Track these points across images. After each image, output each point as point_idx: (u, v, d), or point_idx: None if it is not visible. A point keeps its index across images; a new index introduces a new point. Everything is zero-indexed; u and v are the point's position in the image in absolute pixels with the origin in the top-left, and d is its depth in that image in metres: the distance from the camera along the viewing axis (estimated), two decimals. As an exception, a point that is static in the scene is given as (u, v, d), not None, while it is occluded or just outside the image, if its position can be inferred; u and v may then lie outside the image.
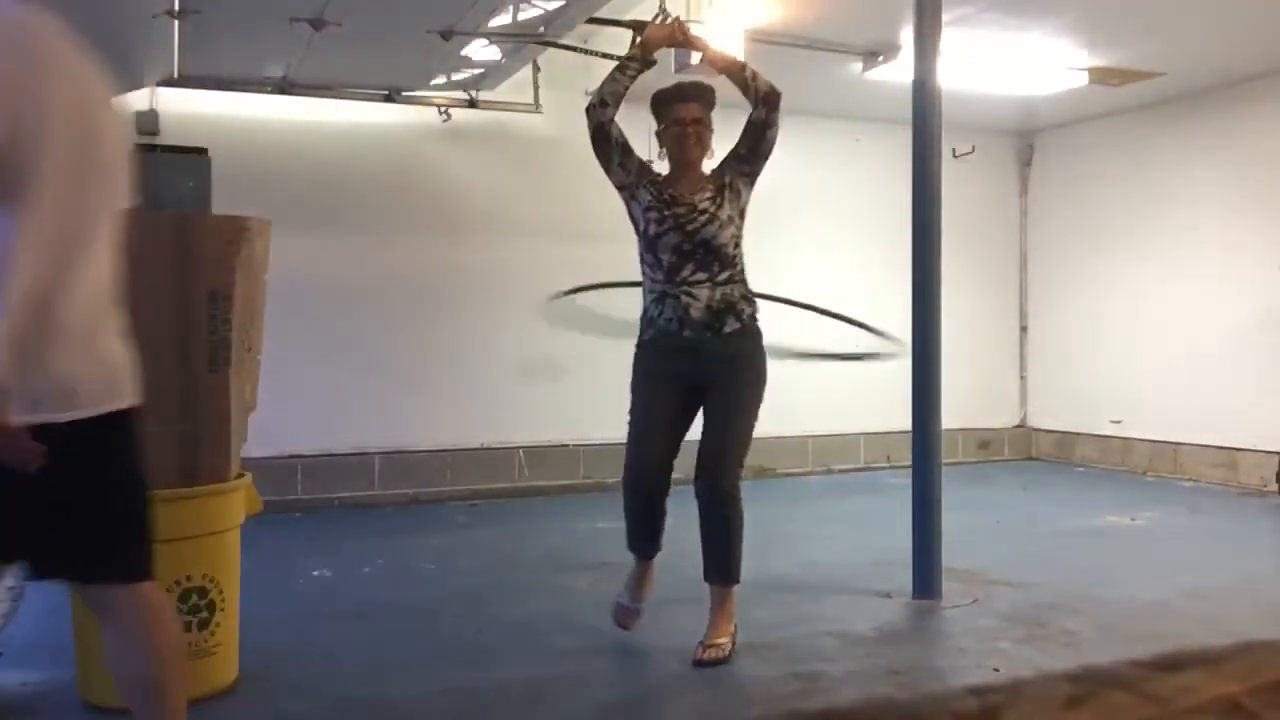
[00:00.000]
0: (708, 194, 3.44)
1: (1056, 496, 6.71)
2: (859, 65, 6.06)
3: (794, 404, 7.03)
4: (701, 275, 3.39)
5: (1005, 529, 5.59)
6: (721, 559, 3.46)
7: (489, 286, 6.70)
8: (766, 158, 3.50)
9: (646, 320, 3.49)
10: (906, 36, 5.07)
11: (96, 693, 3.00)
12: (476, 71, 5.94)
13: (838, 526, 5.58)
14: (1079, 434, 7.97)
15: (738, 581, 3.49)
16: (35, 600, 4.12)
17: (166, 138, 5.93)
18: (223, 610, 3.07)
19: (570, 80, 6.73)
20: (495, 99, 6.46)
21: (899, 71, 5.65)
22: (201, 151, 5.97)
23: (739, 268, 3.47)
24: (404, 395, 6.50)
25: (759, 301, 3.52)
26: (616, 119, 3.42)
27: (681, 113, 3.45)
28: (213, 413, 3.07)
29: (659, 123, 3.53)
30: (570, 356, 6.85)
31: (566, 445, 6.87)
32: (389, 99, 6.24)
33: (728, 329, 3.39)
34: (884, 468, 7.58)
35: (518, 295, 6.77)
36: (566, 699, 3.08)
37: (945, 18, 4.33)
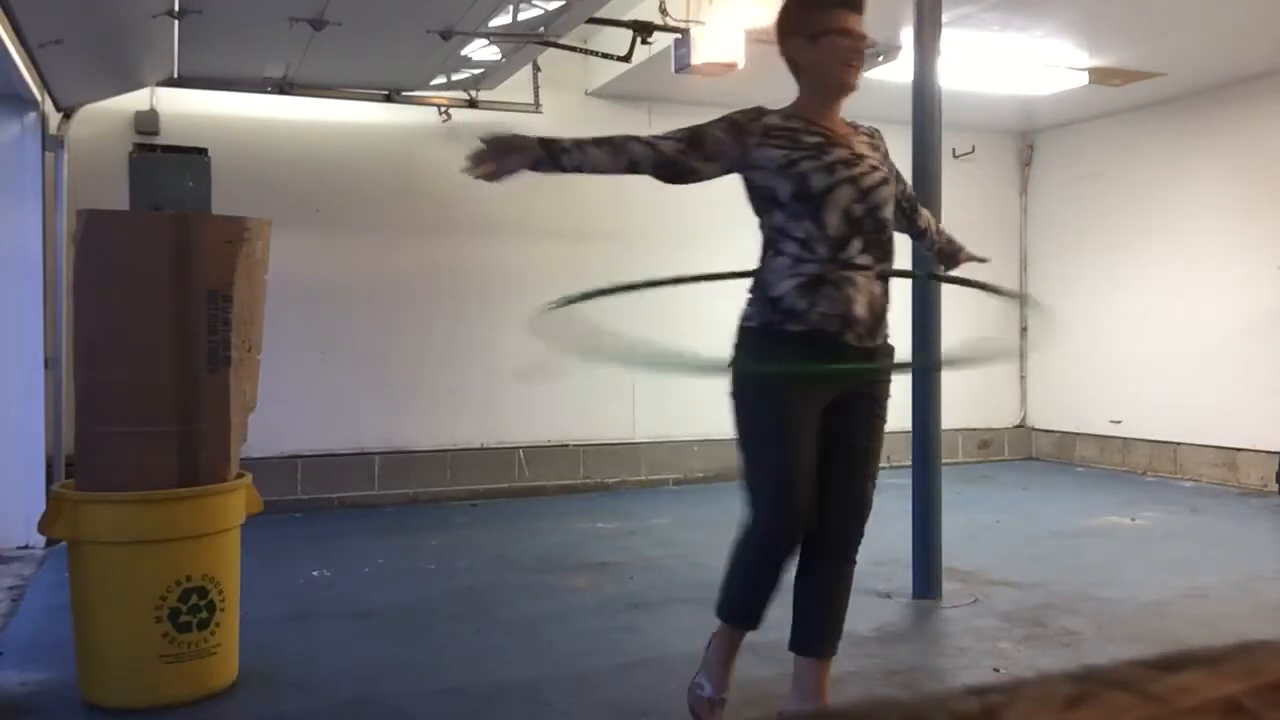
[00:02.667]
0: (870, 150, 2.64)
1: (1056, 496, 6.71)
2: (859, 65, 6.07)
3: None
4: (868, 258, 2.53)
5: (1005, 529, 5.58)
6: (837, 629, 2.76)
7: (488, 286, 6.70)
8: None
9: (785, 310, 2.52)
10: (906, 36, 5.07)
11: (96, 693, 3.00)
12: (476, 71, 5.94)
13: (838, 526, 5.57)
14: (1079, 434, 7.97)
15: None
16: (35, 600, 4.14)
17: (166, 138, 5.94)
18: (223, 610, 3.07)
19: (570, 80, 6.75)
20: (495, 99, 6.46)
21: (899, 71, 5.66)
22: (201, 151, 5.98)
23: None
24: (404, 395, 6.50)
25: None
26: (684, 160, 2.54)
27: (849, 22, 2.55)
28: (213, 413, 3.07)
29: (804, 34, 2.59)
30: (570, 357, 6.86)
31: (566, 445, 6.87)
32: (389, 99, 6.24)
33: (879, 340, 2.60)
34: (884, 468, 7.57)
35: (517, 295, 6.77)
36: (566, 699, 3.08)
37: (945, 18, 4.33)
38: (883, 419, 2.69)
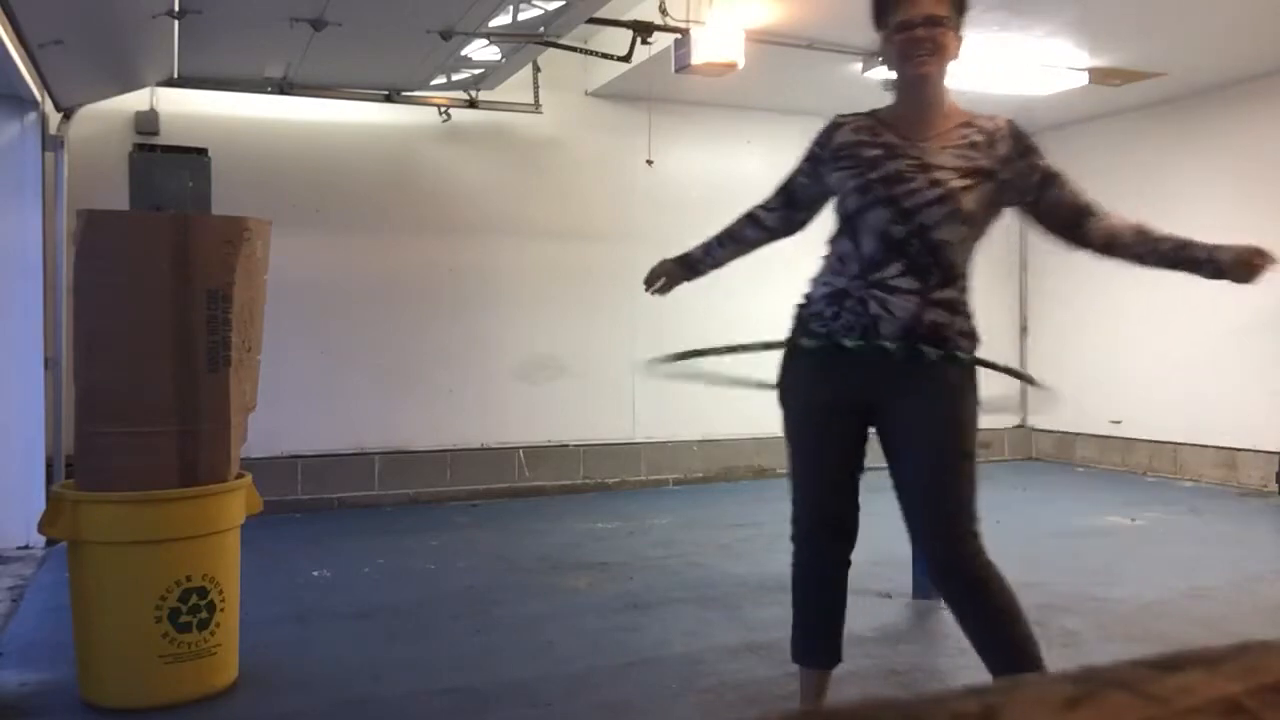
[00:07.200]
0: (956, 157, 2.38)
1: (1056, 496, 6.71)
2: (859, 65, 6.07)
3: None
4: (912, 282, 2.36)
5: (1005, 529, 5.57)
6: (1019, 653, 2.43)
7: (488, 286, 6.71)
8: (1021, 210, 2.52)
9: (809, 314, 2.49)
10: (906, 36, 5.07)
11: (96, 693, 3.00)
12: (476, 71, 5.94)
13: (838, 526, 5.57)
14: (1079, 434, 7.97)
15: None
16: (35, 600, 4.14)
17: (166, 138, 5.94)
18: (223, 610, 3.07)
19: (570, 80, 6.76)
20: (495, 99, 6.46)
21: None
22: (201, 151, 5.98)
23: (963, 288, 2.43)
24: (404, 395, 6.50)
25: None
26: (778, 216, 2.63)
27: (909, 13, 2.39)
28: (213, 413, 3.07)
29: (879, 30, 2.50)
30: (570, 356, 6.86)
31: (566, 445, 6.87)
32: (389, 99, 6.24)
33: (927, 355, 2.35)
34: (884, 468, 7.58)
35: (517, 295, 6.78)
36: (566, 699, 3.08)
37: (945, 18, 4.32)
38: (947, 414, 2.41)
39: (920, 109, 2.45)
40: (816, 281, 2.52)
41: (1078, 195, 2.48)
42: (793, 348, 2.53)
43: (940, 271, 2.37)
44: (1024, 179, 2.44)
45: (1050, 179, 2.47)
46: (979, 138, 2.41)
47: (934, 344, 2.35)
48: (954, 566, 2.46)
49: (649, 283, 2.79)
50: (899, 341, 2.35)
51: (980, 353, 2.49)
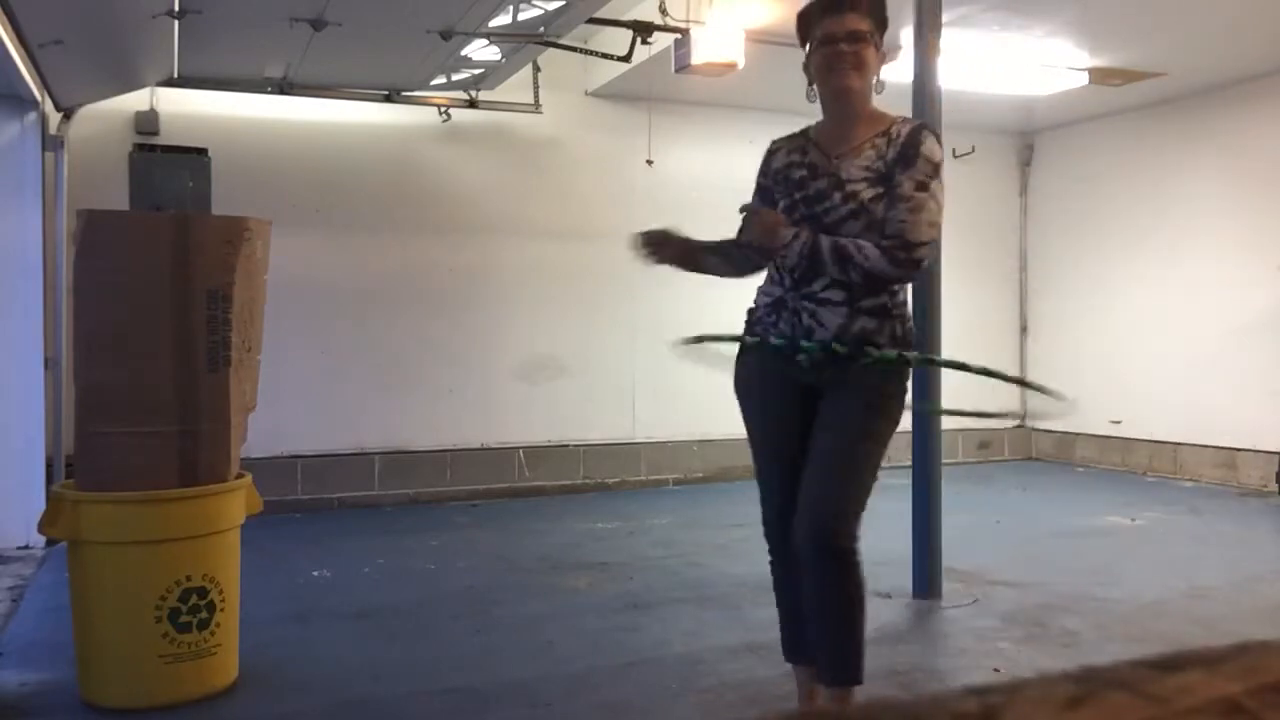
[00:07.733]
0: (864, 167, 2.51)
1: (1056, 496, 6.71)
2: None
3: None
4: (837, 294, 2.48)
5: (1005, 529, 5.59)
6: (834, 648, 2.57)
7: (489, 286, 6.70)
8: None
9: (755, 320, 2.66)
10: (906, 36, 5.07)
11: (96, 693, 3.00)
12: (476, 71, 5.94)
13: (838, 526, 5.57)
14: (1079, 434, 7.97)
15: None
16: (35, 600, 4.14)
17: (166, 138, 5.93)
18: (223, 610, 3.07)
19: (570, 80, 6.76)
20: (495, 99, 6.46)
21: (899, 71, 5.65)
22: (201, 151, 5.98)
23: (896, 294, 2.55)
24: (404, 395, 6.50)
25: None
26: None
27: (829, 28, 2.52)
28: (213, 413, 3.07)
29: (805, 47, 2.63)
30: (570, 356, 6.86)
31: (566, 445, 6.87)
32: (389, 99, 6.24)
33: (858, 361, 2.48)
34: (884, 468, 7.57)
35: (517, 295, 6.78)
36: (566, 699, 3.08)
37: (945, 18, 4.33)
38: (858, 410, 2.51)
39: (842, 121, 2.59)
40: (760, 290, 2.67)
41: (894, 228, 2.46)
42: (742, 349, 2.66)
43: (865, 283, 2.47)
44: (883, 181, 2.50)
45: (895, 198, 2.47)
46: (882, 143, 2.53)
47: (860, 350, 2.46)
48: (826, 536, 2.48)
49: (646, 243, 2.56)
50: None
51: (979, 355, 2.53)
